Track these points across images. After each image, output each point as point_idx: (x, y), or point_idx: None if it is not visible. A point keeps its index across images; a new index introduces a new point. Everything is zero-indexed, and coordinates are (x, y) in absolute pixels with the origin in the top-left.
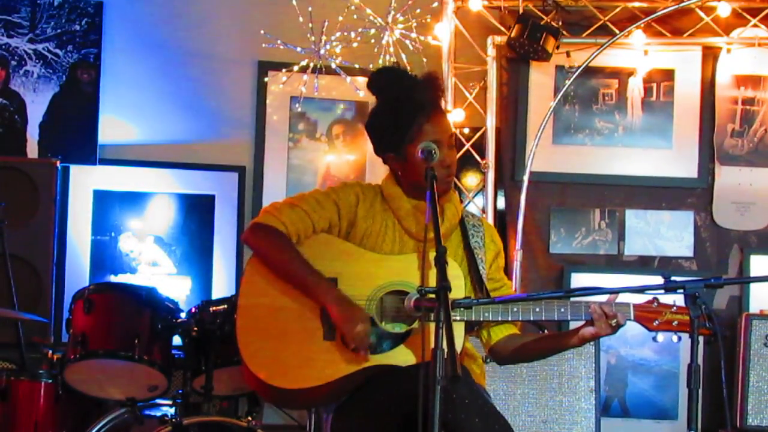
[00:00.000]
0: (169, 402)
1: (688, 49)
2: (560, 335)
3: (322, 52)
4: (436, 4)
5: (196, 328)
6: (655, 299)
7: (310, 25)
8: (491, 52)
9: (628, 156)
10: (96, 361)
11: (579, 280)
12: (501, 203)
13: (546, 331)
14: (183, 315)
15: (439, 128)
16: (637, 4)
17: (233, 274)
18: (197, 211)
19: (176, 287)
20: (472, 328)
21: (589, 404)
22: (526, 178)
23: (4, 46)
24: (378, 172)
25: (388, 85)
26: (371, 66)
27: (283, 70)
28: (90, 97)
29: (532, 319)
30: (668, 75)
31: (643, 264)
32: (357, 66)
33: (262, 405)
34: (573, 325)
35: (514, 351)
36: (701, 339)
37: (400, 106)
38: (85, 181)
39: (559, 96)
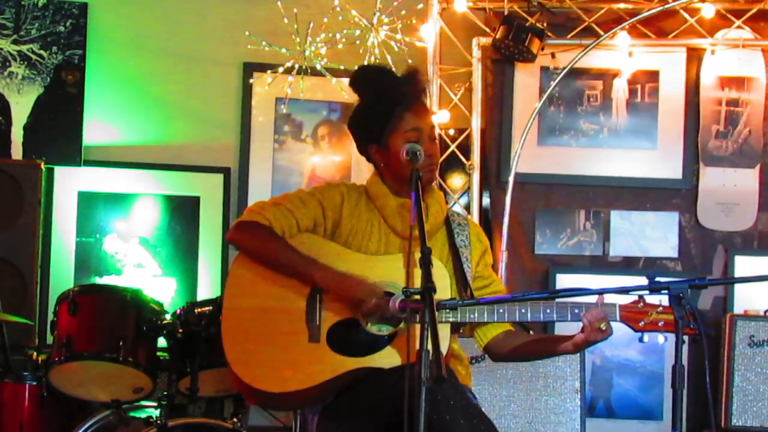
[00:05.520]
0: (155, 404)
1: (673, 50)
2: (556, 339)
3: (307, 53)
4: (421, 6)
5: (181, 330)
6: (641, 299)
7: (296, 26)
8: (476, 53)
9: (613, 157)
10: (81, 363)
11: (564, 280)
12: (486, 204)
13: (531, 332)
14: (168, 317)
15: (419, 119)
16: (621, 6)
17: (218, 275)
18: (182, 213)
19: (161, 289)
20: (458, 328)
21: (575, 405)
22: (511, 179)
23: None
24: (363, 173)
25: (370, 81)
26: (356, 68)
27: (269, 72)
28: (74, 99)
29: (518, 320)
30: (653, 76)
31: (627, 265)
32: (342, 67)
33: (248, 406)
34: (558, 325)
35: (511, 351)
36: (686, 339)
37: (381, 99)
38: (69, 183)
39: (544, 97)
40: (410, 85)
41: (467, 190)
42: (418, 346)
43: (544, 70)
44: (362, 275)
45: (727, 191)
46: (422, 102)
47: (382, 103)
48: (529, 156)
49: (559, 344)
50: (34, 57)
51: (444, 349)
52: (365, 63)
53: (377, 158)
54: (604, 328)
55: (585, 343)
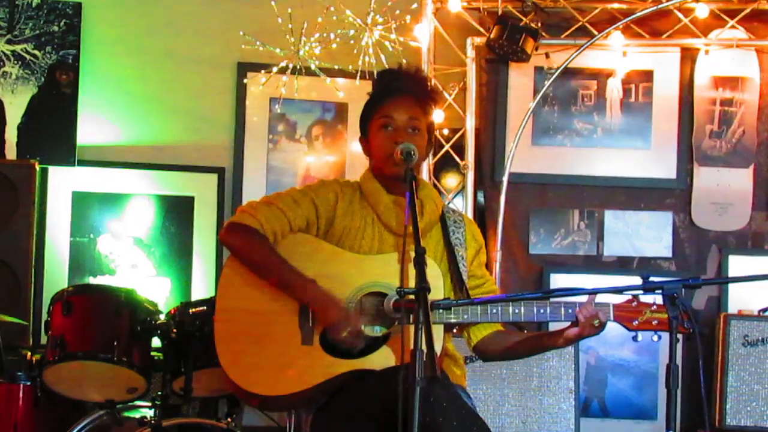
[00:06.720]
0: (149, 404)
1: (667, 50)
2: (546, 335)
3: (301, 53)
4: (415, 6)
5: (175, 330)
6: (635, 298)
7: (290, 26)
8: (470, 53)
9: (607, 157)
10: (75, 363)
11: (558, 280)
12: (481, 204)
13: (526, 331)
14: (162, 317)
15: (395, 107)
16: (616, 6)
17: (213, 275)
18: (177, 213)
19: (156, 289)
20: (451, 328)
21: (569, 405)
22: (505, 179)
23: None
24: (358, 173)
25: (378, 79)
26: (350, 67)
27: (263, 72)
28: (68, 99)
29: (511, 320)
30: (647, 76)
31: (622, 265)
32: (336, 67)
33: (242, 406)
34: (552, 325)
35: (501, 351)
36: (680, 337)
37: (374, 92)
38: (63, 183)
39: (538, 97)
40: (401, 79)
41: (461, 190)
42: (411, 347)
43: (538, 69)
44: (356, 275)
45: (721, 191)
46: (409, 95)
47: (372, 95)
48: (524, 156)
49: (549, 340)
50: (28, 57)
51: (438, 349)
52: (360, 65)
53: (364, 149)
54: (597, 324)
55: (577, 337)
